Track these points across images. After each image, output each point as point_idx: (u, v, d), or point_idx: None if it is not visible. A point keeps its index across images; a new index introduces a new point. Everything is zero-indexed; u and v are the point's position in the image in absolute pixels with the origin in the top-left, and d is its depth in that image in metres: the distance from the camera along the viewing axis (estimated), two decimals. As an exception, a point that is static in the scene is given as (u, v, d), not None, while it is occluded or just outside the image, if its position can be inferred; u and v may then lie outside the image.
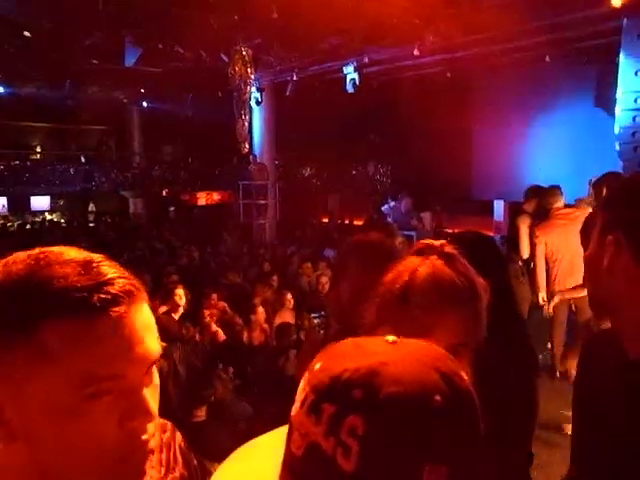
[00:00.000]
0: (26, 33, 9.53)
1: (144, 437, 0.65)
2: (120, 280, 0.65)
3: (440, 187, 12.43)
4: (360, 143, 15.53)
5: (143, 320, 0.66)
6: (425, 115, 13.19)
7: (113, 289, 0.63)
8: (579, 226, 4.90)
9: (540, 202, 5.12)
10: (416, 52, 9.45)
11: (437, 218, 12.06)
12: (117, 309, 0.62)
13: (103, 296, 0.62)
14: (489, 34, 9.01)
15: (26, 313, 0.60)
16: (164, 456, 0.86)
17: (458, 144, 12.84)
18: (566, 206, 5.04)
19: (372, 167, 16.18)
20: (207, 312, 5.38)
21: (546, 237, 4.81)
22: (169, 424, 0.93)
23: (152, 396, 0.67)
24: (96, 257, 0.67)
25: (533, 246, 4.84)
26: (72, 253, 0.66)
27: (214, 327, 5.27)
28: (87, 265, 0.64)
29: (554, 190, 5.02)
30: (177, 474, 0.86)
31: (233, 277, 8.51)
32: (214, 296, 5.97)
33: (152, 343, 0.66)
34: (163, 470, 0.84)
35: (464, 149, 12.74)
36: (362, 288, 1.60)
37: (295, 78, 11.64)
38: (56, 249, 0.67)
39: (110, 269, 0.65)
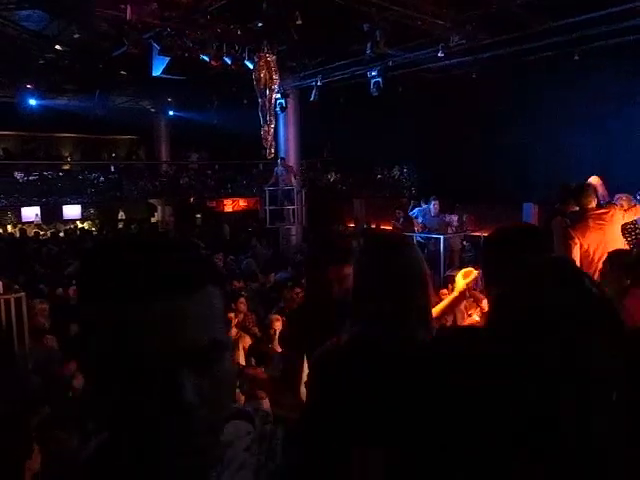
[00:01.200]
0: (58, 46, 9.79)
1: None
2: (169, 268, 0.64)
3: (467, 189, 12.27)
4: (385, 147, 15.48)
5: (186, 309, 0.64)
6: (451, 117, 13.06)
7: (155, 277, 0.62)
8: (615, 226, 4.80)
9: (574, 202, 4.99)
10: (441, 54, 9.39)
11: (464, 221, 11.88)
12: (151, 298, 0.62)
13: (140, 285, 0.62)
14: (516, 34, 8.91)
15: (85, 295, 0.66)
16: (265, 446, 0.87)
17: (484, 146, 12.68)
18: (599, 206, 4.91)
19: (397, 171, 16.09)
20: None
21: (582, 239, 4.69)
22: (272, 417, 0.94)
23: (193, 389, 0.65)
24: (167, 244, 0.67)
25: (568, 247, 4.71)
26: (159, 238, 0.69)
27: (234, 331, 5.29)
28: (150, 253, 0.65)
29: (588, 190, 4.89)
30: (274, 465, 0.88)
31: (262, 282, 8.55)
32: (242, 300, 5.99)
33: (186, 334, 0.63)
34: (263, 459, 0.86)
35: (490, 151, 12.56)
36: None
37: (319, 83, 11.68)
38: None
39: (170, 256, 0.65)
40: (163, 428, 0.62)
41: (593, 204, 4.85)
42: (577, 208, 5.00)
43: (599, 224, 4.68)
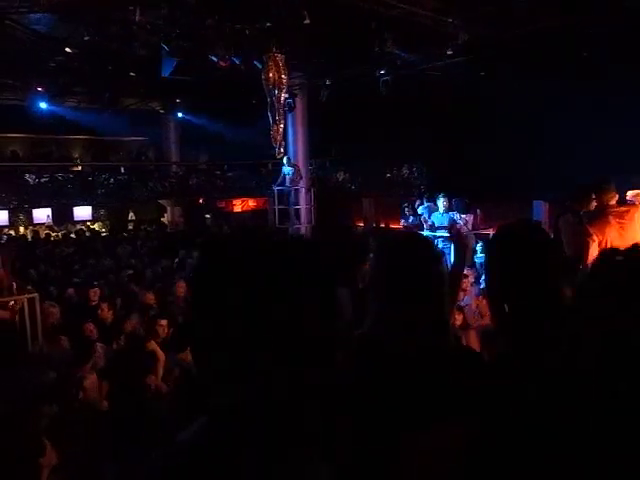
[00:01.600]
0: (67, 49, 9.84)
1: None
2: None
3: (475, 187, 12.21)
4: (394, 145, 15.44)
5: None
6: (459, 114, 13.02)
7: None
8: (636, 224, 4.73)
9: (595, 200, 4.92)
10: (449, 52, 9.37)
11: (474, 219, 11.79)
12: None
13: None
14: (524, 29, 8.86)
15: None
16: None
17: (493, 143, 12.62)
18: (619, 204, 4.86)
19: (406, 169, 16.05)
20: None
21: (601, 235, 4.62)
22: None
23: None
24: None
25: (586, 244, 4.62)
26: None
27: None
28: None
29: (609, 187, 4.82)
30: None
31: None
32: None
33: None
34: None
35: (500, 148, 12.50)
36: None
37: (328, 82, 11.68)
38: None
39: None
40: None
41: (614, 201, 4.80)
42: (594, 205, 4.94)
43: (619, 222, 4.63)
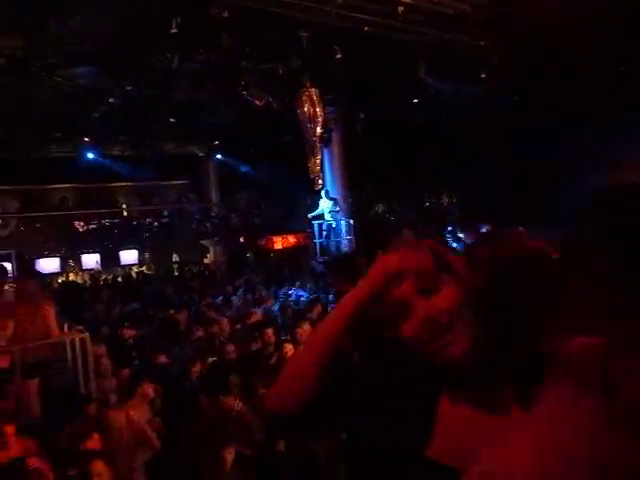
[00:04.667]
0: (110, 99, 10.29)
1: None
2: None
3: (517, 212, 11.90)
4: (432, 174, 15.34)
5: None
6: (497, 138, 12.84)
7: None
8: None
9: None
10: (483, 75, 9.34)
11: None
12: None
13: None
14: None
15: None
16: None
17: (532, 166, 12.37)
18: None
19: (446, 197, 15.90)
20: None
21: None
22: None
23: None
24: None
25: None
26: None
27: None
28: None
29: None
30: None
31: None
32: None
33: None
34: None
35: (540, 171, 12.23)
36: None
37: (362, 115, 11.79)
38: None
39: None
40: None
41: None
42: None
43: None
